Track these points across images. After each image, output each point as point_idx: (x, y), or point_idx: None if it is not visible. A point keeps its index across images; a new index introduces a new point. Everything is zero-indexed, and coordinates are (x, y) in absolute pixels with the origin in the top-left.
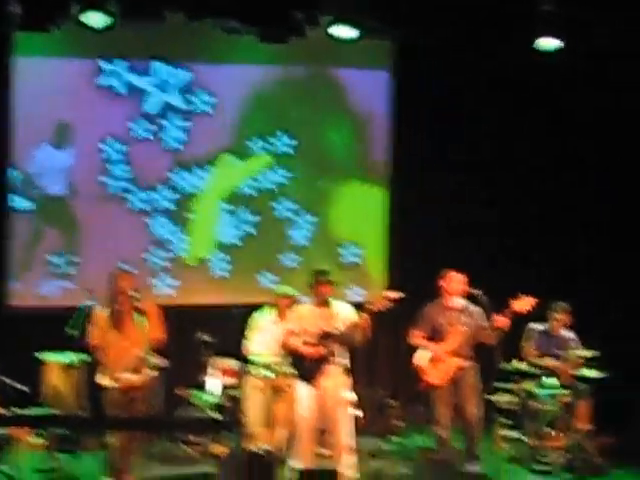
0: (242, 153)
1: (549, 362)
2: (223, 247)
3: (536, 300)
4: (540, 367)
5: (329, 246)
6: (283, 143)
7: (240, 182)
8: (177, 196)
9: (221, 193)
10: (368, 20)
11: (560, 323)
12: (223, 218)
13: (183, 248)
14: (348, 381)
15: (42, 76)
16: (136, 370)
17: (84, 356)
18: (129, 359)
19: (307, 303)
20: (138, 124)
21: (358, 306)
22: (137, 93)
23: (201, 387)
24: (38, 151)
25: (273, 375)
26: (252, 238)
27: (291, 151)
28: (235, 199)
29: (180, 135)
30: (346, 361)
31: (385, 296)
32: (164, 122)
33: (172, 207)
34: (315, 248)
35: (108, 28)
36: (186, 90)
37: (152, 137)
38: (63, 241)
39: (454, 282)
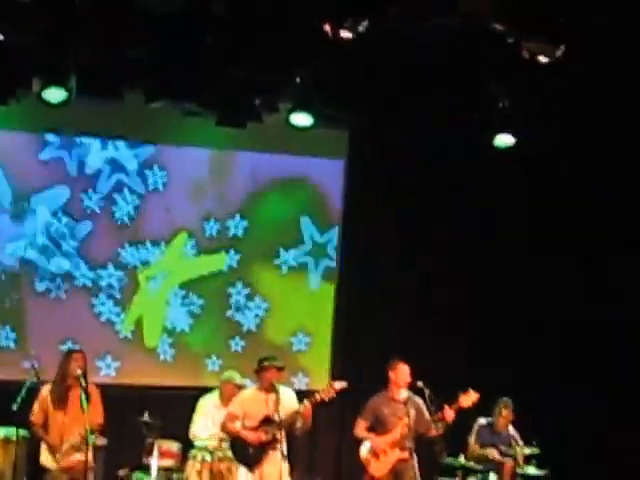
0: (195, 234)
1: (492, 453)
2: (172, 333)
3: (478, 395)
4: (483, 459)
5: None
6: (235, 225)
7: (191, 265)
8: (124, 274)
9: (172, 275)
10: (325, 108)
11: (505, 419)
12: (173, 302)
13: (128, 330)
14: (288, 468)
15: None
16: (78, 449)
17: (24, 432)
18: (71, 438)
19: (252, 388)
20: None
21: (303, 394)
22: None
23: (143, 468)
24: None
25: (213, 459)
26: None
27: (242, 233)
28: (186, 281)
29: (131, 211)
30: (285, 448)
31: (331, 386)
32: (116, 197)
33: (118, 286)
34: (264, 334)
35: (63, 103)
36: (141, 168)
37: (100, 212)
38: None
39: (402, 374)
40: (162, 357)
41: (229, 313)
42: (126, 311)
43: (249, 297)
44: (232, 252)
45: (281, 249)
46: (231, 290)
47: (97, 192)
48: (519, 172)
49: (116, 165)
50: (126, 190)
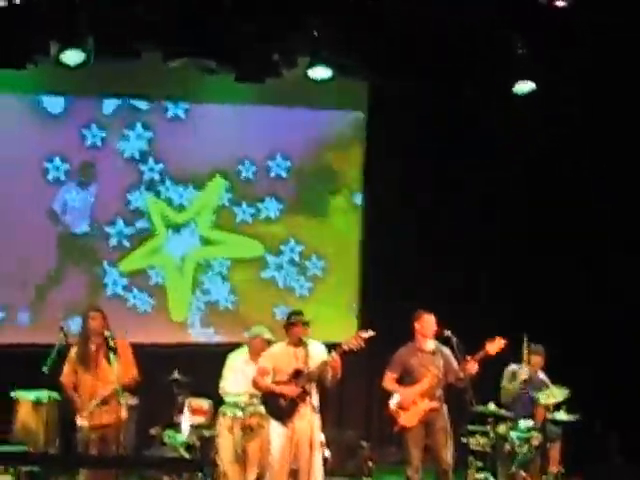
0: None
1: (522, 375)
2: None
3: (506, 342)
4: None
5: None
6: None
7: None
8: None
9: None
10: (344, 60)
11: (535, 365)
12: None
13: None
14: (320, 421)
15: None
16: (108, 409)
17: (55, 394)
18: (99, 398)
19: (281, 343)
20: None
21: (332, 346)
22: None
23: (174, 426)
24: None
25: (244, 414)
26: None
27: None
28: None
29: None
30: (317, 401)
31: (358, 336)
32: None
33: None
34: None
35: (82, 65)
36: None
37: None
38: None
39: (428, 324)
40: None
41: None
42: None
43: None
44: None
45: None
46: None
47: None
48: (540, 120)
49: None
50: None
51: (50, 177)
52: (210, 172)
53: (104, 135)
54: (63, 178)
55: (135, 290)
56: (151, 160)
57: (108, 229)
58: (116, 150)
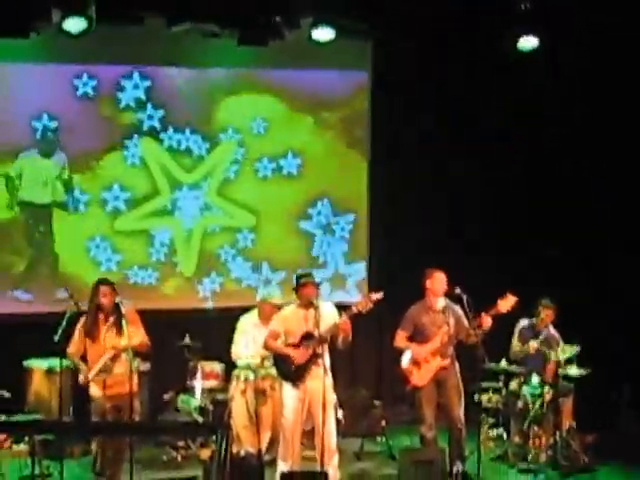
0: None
1: (532, 346)
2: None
3: (517, 299)
4: (525, 353)
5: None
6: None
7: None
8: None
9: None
10: (346, 21)
11: (546, 320)
12: None
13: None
14: (332, 382)
15: (20, 81)
16: (121, 378)
17: (68, 362)
18: (108, 355)
19: (292, 305)
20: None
21: (342, 307)
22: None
23: (188, 391)
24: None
25: (256, 377)
26: None
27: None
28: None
29: None
30: (328, 362)
31: (367, 297)
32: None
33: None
34: None
35: (84, 32)
36: None
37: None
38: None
39: (439, 282)
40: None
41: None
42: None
43: None
44: None
45: None
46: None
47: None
48: (545, 74)
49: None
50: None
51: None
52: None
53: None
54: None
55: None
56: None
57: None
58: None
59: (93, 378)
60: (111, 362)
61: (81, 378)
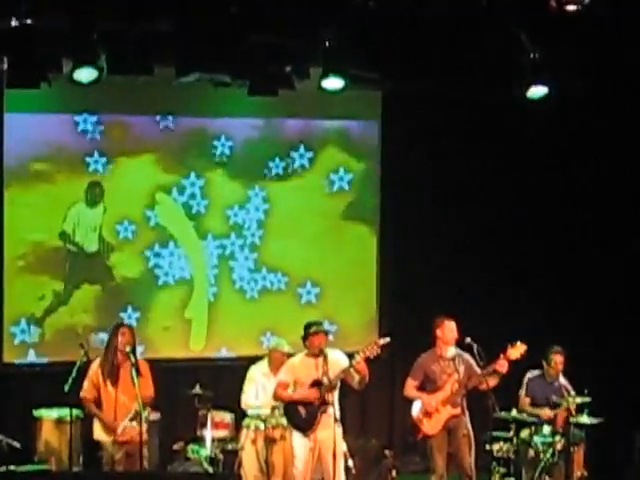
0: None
1: (544, 412)
2: None
3: (526, 347)
4: (536, 417)
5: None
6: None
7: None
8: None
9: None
10: (356, 70)
11: (556, 369)
12: None
13: None
14: (341, 431)
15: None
16: (131, 425)
17: (78, 411)
18: (125, 413)
19: (300, 354)
20: None
21: (350, 354)
22: None
23: (198, 440)
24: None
25: (266, 426)
26: None
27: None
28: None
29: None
30: (338, 411)
31: (375, 343)
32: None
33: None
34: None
35: (94, 82)
36: None
37: None
38: None
39: (449, 331)
40: None
41: None
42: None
43: None
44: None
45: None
46: None
47: None
48: (554, 124)
49: None
50: None
51: None
52: None
53: None
54: None
55: None
56: None
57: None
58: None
59: (120, 435)
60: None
61: (99, 433)
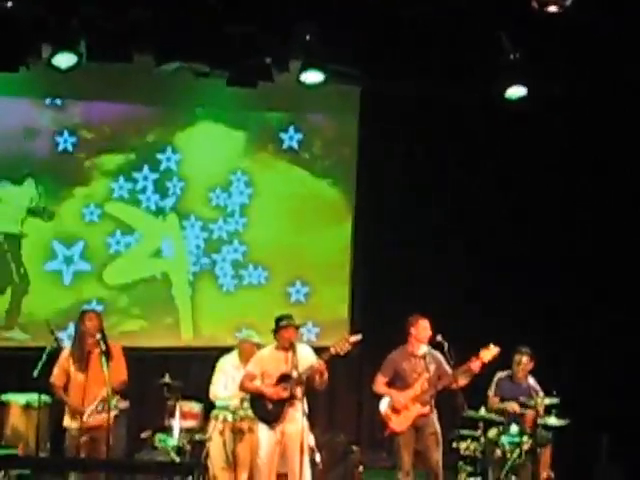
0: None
1: (511, 406)
2: None
3: (499, 349)
4: (504, 412)
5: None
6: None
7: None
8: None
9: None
10: (336, 65)
11: (524, 370)
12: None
13: None
14: (309, 425)
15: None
16: (99, 411)
17: (46, 397)
18: (93, 400)
19: (269, 347)
20: None
21: (320, 349)
22: None
23: (166, 430)
24: None
25: (234, 418)
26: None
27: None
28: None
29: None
30: (306, 405)
31: (345, 339)
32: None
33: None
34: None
35: (72, 68)
36: None
37: None
38: None
39: (423, 329)
40: None
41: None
42: None
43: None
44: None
45: None
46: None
47: None
48: (533, 125)
49: None
50: None
51: None
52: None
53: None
54: None
55: None
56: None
57: None
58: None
59: (88, 420)
60: (101, 403)
61: (67, 420)
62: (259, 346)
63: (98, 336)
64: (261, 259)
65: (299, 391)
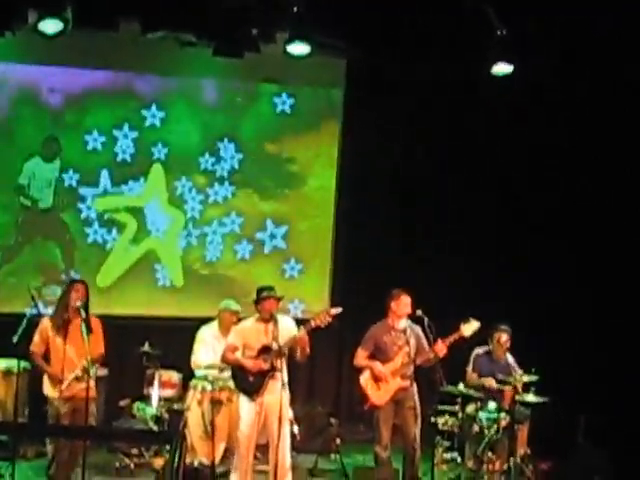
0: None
1: (489, 382)
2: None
3: (479, 324)
4: (482, 389)
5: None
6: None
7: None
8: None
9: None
10: (322, 37)
11: (502, 346)
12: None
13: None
14: (289, 397)
15: None
16: (79, 379)
17: (26, 363)
18: (72, 368)
19: (251, 318)
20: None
21: (301, 322)
22: None
23: (144, 399)
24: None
25: (213, 388)
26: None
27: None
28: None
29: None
30: (286, 377)
31: (326, 312)
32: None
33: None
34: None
35: (59, 34)
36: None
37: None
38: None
39: (403, 305)
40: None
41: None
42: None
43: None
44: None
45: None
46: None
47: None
48: (518, 103)
49: None
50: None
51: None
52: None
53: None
54: None
55: None
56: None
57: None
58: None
59: (65, 390)
60: (81, 372)
61: (47, 388)
62: (238, 314)
63: (79, 303)
64: None
65: (279, 363)
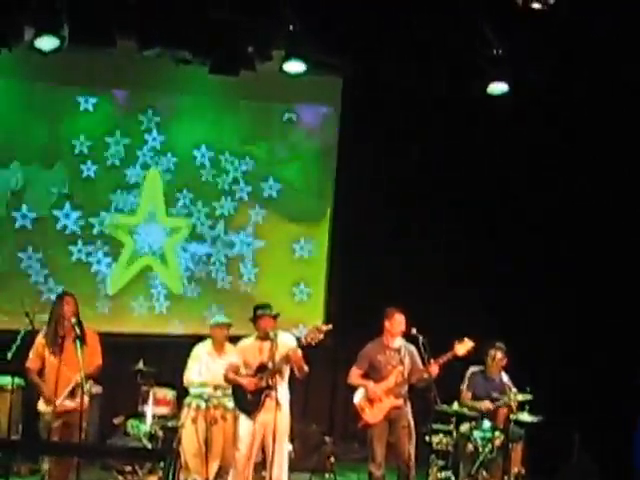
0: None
1: (484, 405)
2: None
3: (474, 344)
4: (476, 411)
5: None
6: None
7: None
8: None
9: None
10: (318, 55)
11: (497, 365)
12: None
13: None
14: (287, 415)
15: None
16: (73, 396)
17: (19, 380)
18: (66, 384)
19: (251, 336)
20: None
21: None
22: None
23: (139, 416)
24: None
25: (208, 406)
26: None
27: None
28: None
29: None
30: (283, 395)
31: (317, 329)
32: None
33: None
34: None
35: (55, 51)
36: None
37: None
38: None
39: (397, 324)
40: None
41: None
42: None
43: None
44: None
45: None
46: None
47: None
48: (515, 119)
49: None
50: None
51: None
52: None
53: None
54: None
55: None
56: None
57: None
58: None
59: (61, 405)
60: (76, 387)
61: (41, 404)
62: (229, 326)
63: (73, 320)
64: None
65: (275, 381)
